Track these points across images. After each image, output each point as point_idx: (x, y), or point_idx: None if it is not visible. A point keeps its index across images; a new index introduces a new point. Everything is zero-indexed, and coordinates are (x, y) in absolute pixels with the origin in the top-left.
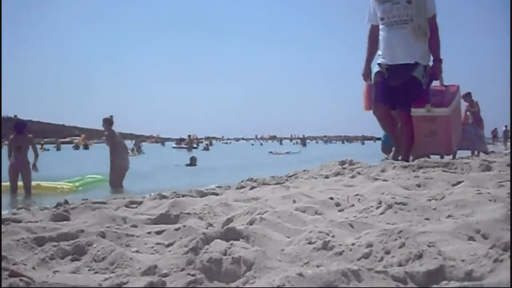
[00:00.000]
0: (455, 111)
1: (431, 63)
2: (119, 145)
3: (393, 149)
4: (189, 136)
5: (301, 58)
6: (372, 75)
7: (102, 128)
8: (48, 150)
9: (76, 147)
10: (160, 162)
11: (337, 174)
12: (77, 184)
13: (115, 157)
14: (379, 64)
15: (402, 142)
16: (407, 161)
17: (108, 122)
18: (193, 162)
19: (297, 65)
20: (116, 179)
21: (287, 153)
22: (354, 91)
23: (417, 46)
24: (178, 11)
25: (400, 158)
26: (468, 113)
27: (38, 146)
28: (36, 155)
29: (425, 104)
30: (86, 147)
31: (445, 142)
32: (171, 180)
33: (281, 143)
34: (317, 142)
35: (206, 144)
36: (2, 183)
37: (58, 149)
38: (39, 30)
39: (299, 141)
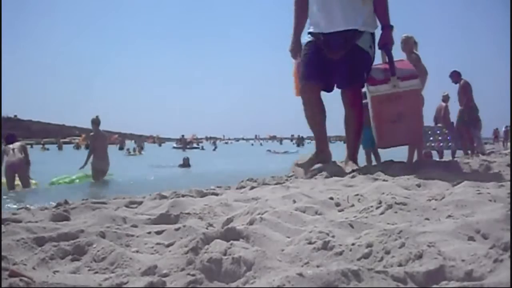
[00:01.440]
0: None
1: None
2: (98, 148)
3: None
4: (182, 136)
5: None
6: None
7: (101, 128)
8: (48, 150)
9: (77, 147)
10: (157, 162)
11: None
12: (66, 180)
13: (93, 159)
14: (310, 33)
15: (349, 136)
16: (355, 161)
17: (96, 122)
18: (185, 163)
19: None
20: (95, 179)
21: (285, 152)
22: None
23: (361, 8)
24: (178, 11)
25: (347, 162)
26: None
27: (39, 146)
28: (28, 164)
29: (390, 79)
30: (87, 147)
31: (415, 126)
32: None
33: (281, 143)
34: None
35: (214, 143)
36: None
37: (60, 148)
38: (39, 30)
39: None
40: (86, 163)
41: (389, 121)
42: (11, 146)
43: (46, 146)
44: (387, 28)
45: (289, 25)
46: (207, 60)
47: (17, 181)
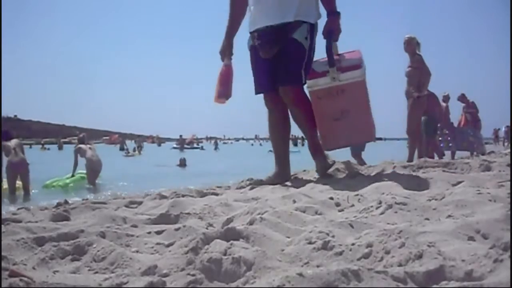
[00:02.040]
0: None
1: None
2: (84, 154)
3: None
4: (180, 136)
5: None
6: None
7: (101, 128)
8: (48, 149)
9: None
10: (156, 162)
11: (337, 174)
12: (67, 181)
13: (86, 161)
14: (251, 33)
15: (306, 134)
16: (324, 155)
17: (80, 140)
18: (182, 163)
19: None
20: (89, 180)
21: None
22: None
23: None
24: (178, 11)
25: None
26: (466, 114)
27: (39, 146)
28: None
29: (328, 70)
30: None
31: (363, 123)
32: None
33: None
34: None
35: (215, 143)
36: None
37: (60, 148)
38: (39, 29)
39: (299, 140)
40: (74, 171)
41: (332, 119)
42: (10, 144)
43: (47, 146)
44: (332, 14)
45: None
46: (207, 60)
47: (17, 183)
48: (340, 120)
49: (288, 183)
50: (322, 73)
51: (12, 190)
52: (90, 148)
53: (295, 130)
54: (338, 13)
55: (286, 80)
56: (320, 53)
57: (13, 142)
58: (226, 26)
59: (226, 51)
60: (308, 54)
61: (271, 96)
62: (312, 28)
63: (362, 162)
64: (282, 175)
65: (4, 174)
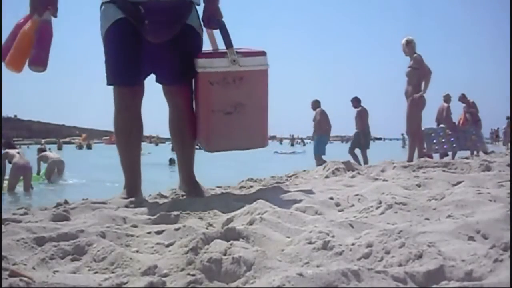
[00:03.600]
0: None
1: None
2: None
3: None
4: None
5: (299, 57)
6: (105, 22)
7: (101, 128)
8: (49, 150)
9: (80, 147)
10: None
11: (337, 174)
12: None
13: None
14: (130, 3)
15: (187, 150)
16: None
17: (41, 150)
18: (172, 162)
19: (295, 64)
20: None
21: (293, 153)
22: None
23: None
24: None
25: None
26: (467, 114)
27: (37, 146)
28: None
29: (227, 51)
30: (89, 146)
31: (259, 123)
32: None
33: (281, 143)
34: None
35: None
36: None
37: (60, 148)
38: None
39: (299, 140)
40: (39, 169)
41: (222, 112)
42: (13, 151)
43: (47, 146)
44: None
45: (288, 25)
46: None
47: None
48: (233, 115)
49: (287, 183)
50: (220, 54)
51: (12, 188)
52: (18, 152)
53: (296, 131)
54: None
55: (183, 79)
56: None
57: (16, 150)
58: None
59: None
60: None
61: (136, 91)
62: (198, 12)
63: (321, 162)
64: (136, 188)
65: (10, 175)
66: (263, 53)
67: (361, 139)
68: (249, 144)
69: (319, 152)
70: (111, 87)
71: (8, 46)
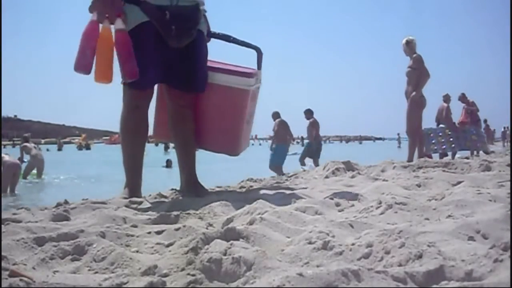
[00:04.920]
0: (253, 105)
1: None
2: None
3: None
4: None
5: (298, 58)
6: (132, 24)
7: (101, 128)
8: (48, 150)
9: (80, 147)
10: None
11: (337, 174)
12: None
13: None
14: (157, 8)
15: (190, 154)
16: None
17: (25, 139)
18: (168, 164)
19: (294, 65)
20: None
21: (295, 153)
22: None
23: None
24: None
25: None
26: (467, 111)
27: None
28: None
29: (255, 72)
30: (87, 147)
31: (230, 131)
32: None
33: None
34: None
35: None
36: None
37: (60, 149)
38: (40, 29)
39: (299, 141)
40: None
41: (246, 122)
42: (30, 145)
43: (46, 146)
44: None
45: (287, 26)
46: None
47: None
48: (249, 123)
49: (287, 183)
50: (249, 74)
51: (4, 190)
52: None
53: (295, 131)
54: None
55: (197, 85)
56: None
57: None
58: None
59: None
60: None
61: (148, 93)
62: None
63: (279, 172)
64: (138, 187)
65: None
66: (257, 71)
67: (313, 149)
68: (246, 146)
69: (276, 163)
70: (116, 85)
71: (88, 58)
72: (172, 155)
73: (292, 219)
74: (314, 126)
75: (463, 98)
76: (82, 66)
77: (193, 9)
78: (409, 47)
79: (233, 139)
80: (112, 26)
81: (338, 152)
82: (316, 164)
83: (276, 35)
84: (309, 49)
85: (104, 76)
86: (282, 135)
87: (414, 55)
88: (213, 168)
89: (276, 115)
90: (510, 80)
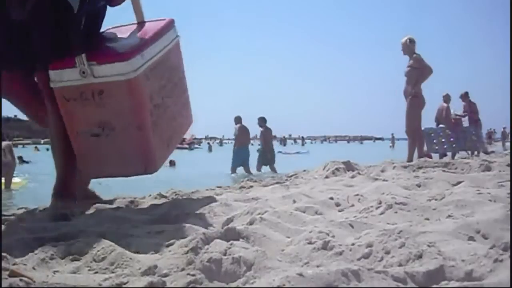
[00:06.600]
0: (163, 76)
1: None
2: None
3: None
4: None
5: (297, 58)
6: None
7: None
8: (48, 150)
9: None
10: None
11: (337, 174)
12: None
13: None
14: None
15: (63, 156)
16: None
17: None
18: (171, 164)
19: (294, 64)
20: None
21: (297, 153)
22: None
23: None
24: (176, 10)
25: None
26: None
27: (33, 147)
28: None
29: (75, 58)
30: None
31: (136, 146)
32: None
33: (280, 143)
34: (311, 143)
35: (220, 141)
36: None
37: None
38: None
39: (299, 141)
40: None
41: (88, 134)
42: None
43: (46, 146)
44: None
45: (287, 26)
46: (204, 59)
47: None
48: (101, 137)
49: (288, 183)
50: (68, 61)
51: None
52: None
53: (294, 131)
54: None
55: (43, 60)
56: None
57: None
58: None
59: None
60: (77, 20)
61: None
62: None
63: (234, 171)
64: (67, 202)
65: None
66: (126, 57)
67: (267, 156)
68: (128, 171)
69: (234, 165)
70: None
71: None
72: (174, 154)
73: (292, 219)
74: (265, 134)
75: (464, 96)
76: None
77: None
78: (409, 46)
79: (141, 154)
80: None
81: (338, 153)
82: (273, 170)
83: (276, 35)
84: (309, 49)
85: None
86: (241, 139)
87: (414, 55)
88: (213, 168)
89: (237, 120)
90: (510, 80)
